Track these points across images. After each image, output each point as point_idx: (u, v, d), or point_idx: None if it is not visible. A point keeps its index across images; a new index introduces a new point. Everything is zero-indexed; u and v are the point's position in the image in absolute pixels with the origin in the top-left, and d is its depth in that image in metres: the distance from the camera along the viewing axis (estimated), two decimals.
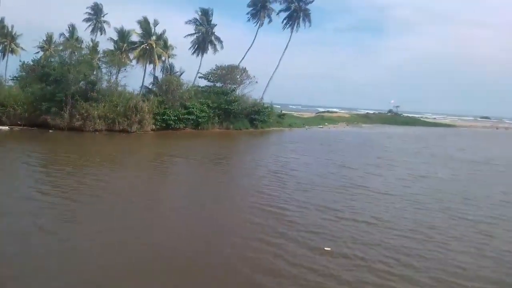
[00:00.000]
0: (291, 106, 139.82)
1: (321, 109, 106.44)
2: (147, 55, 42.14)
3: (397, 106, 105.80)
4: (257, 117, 43.20)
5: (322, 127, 53.31)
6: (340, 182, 17.22)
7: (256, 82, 47.10)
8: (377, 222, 11.78)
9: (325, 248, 9.65)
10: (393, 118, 73.11)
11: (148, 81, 43.15)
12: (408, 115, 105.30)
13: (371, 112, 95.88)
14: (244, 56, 50.83)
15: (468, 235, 11.02)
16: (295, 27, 52.07)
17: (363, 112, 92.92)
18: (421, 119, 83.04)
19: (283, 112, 52.86)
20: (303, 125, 52.00)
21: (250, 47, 51.80)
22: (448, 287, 7.90)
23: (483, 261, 9.18)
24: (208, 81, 47.20)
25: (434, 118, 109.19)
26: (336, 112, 77.95)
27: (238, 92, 45.51)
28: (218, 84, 46.61)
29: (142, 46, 41.94)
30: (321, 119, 61.62)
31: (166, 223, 11.37)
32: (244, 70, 46.98)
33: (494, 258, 9.38)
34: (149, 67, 43.56)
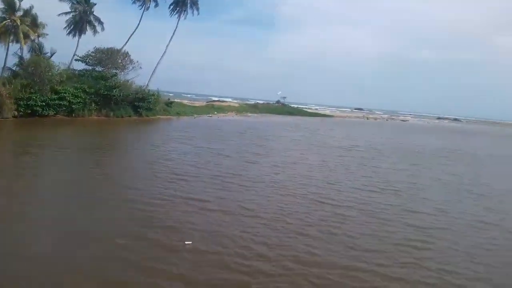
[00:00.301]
0: (184, 95, 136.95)
1: (215, 98, 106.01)
2: (10, 33, 36.26)
3: (284, 97, 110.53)
4: (142, 105, 40.47)
5: (211, 116, 52.64)
6: (214, 172, 16.62)
7: (140, 67, 44.11)
8: (242, 212, 11.40)
9: (186, 242, 8.89)
10: (279, 108, 76.07)
11: (13, 62, 37.29)
12: (294, 105, 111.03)
13: (261, 102, 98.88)
14: (128, 40, 47.15)
15: (325, 219, 11.30)
16: (182, 14, 50.08)
17: (253, 102, 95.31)
18: (305, 109, 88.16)
19: (170, 100, 50.75)
20: (192, 114, 50.68)
21: (134, 31, 48.30)
22: (296, 275, 7.74)
23: (334, 246, 9.34)
24: (86, 64, 42.68)
25: (316, 109, 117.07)
26: (226, 101, 78.20)
27: (120, 77, 42.11)
28: (98, 68, 42.50)
29: (4, 22, 35.86)
30: (211, 108, 60.94)
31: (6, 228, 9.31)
32: (127, 54, 43.65)
33: (344, 243, 9.62)
34: (15, 47, 37.67)
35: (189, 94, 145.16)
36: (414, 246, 9.59)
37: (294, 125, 47.29)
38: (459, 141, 44.94)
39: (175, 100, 59.82)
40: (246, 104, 78.20)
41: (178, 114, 47.33)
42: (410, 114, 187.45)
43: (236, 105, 70.49)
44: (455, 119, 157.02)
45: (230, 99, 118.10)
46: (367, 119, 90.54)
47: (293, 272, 7.86)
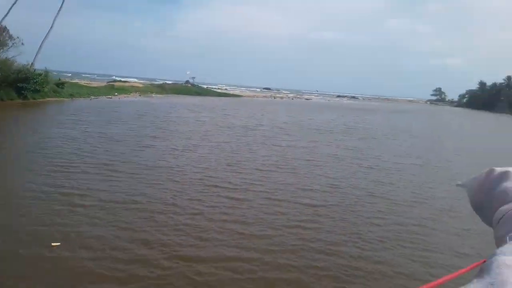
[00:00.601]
0: (85, 75, 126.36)
1: (119, 79, 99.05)
2: None
3: (193, 77, 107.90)
4: (26, 86, 35.43)
5: (111, 98, 48.55)
6: (101, 159, 14.76)
7: (22, 44, 38.50)
8: (126, 205, 10.01)
9: (53, 244, 7.42)
10: (187, 89, 73.67)
11: None
12: (204, 86, 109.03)
13: (170, 82, 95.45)
14: (7, 14, 40.69)
15: (218, 205, 10.51)
16: None
17: (162, 82, 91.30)
18: (214, 90, 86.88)
19: (62, 80, 45.48)
20: (89, 96, 46.23)
21: (14, 3, 41.88)
22: (177, 274, 6.83)
23: (223, 235, 8.60)
24: None
25: (226, 89, 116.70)
26: (130, 81, 73.25)
27: None
28: None
29: None
30: (112, 88, 56.33)
31: None
32: (5, 29, 37.66)
33: (234, 230, 8.94)
34: None
35: (90, 74, 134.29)
36: (304, 227, 9.30)
37: (200, 106, 45.94)
38: (355, 117, 47.94)
39: (72, 80, 54.23)
40: (152, 84, 74.20)
41: (71, 95, 42.67)
42: (314, 93, 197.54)
43: (140, 85, 66.38)
44: (353, 97, 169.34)
45: (136, 80, 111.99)
46: (274, 98, 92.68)
47: (174, 271, 6.91)
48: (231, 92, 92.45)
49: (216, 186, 12.33)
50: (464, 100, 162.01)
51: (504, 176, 0.89)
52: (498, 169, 0.93)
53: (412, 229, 9.82)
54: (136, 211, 9.66)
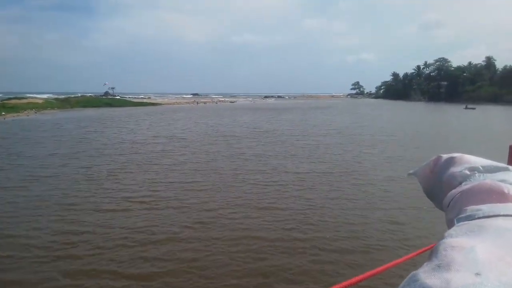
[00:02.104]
0: None
1: (29, 95, 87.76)
2: None
3: (113, 88, 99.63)
4: None
5: None
6: None
7: None
8: None
9: None
10: (97, 100, 65.67)
11: None
12: (126, 96, 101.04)
13: (89, 94, 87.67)
14: None
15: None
16: None
17: (79, 95, 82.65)
18: (130, 99, 79.32)
19: None
20: None
21: None
22: None
23: None
24: None
25: (149, 98, 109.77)
26: (27, 97, 63.48)
27: None
28: None
29: None
30: (1, 107, 47.51)
31: None
32: None
33: None
34: None
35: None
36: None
37: (101, 119, 39.70)
38: (271, 118, 44.93)
39: None
40: (56, 99, 65.17)
41: None
42: (242, 95, 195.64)
43: (40, 101, 57.47)
44: (279, 96, 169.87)
45: (51, 95, 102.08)
46: (197, 104, 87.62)
47: None
48: (151, 101, 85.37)
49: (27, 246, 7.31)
50: (381, 91, 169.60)
51: (450, 161, 0.91)
52: (445, 156, 0.95)
53: None
54: None
